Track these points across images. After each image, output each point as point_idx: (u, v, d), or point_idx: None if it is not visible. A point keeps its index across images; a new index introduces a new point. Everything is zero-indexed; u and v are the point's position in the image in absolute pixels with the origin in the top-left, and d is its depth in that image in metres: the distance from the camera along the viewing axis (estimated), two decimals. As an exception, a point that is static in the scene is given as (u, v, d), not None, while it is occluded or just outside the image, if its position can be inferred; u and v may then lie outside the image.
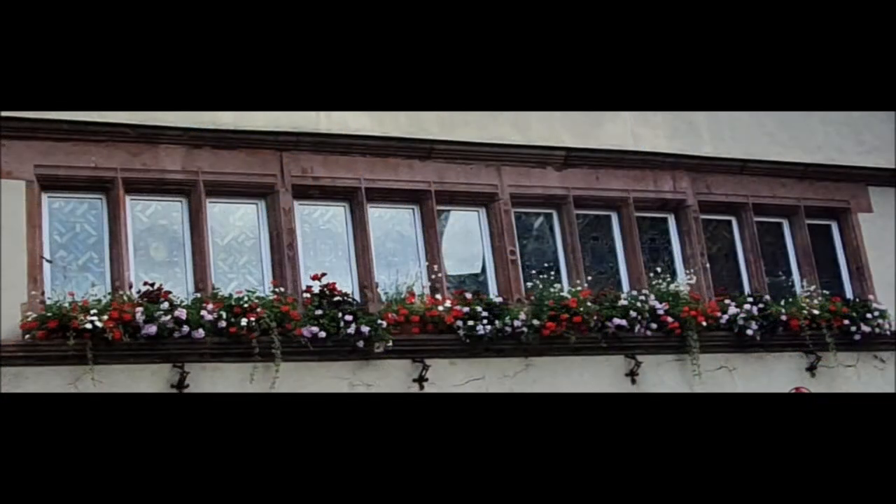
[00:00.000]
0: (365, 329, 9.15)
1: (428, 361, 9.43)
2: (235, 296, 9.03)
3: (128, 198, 9.29)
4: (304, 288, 9.43)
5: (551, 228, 10.86)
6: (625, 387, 10.10)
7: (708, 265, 11.06)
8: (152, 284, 8.90)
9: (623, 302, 10.16)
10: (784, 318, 10.72)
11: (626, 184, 10.98)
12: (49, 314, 8.37)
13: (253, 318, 8.82)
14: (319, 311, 9.16)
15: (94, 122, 8.98)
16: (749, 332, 10.54)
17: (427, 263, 10.10)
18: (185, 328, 8.65)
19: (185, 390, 8.62)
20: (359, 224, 9.97)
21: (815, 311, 10.88)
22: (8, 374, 8.23)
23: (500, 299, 9.91)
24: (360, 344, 9.17)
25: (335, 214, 10.12)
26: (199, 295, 9.06)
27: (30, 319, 8.40)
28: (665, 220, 11.33)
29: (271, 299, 9.10)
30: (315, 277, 9.44)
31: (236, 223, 9.76)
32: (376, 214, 10.16)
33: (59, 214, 9.18)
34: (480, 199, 10.50)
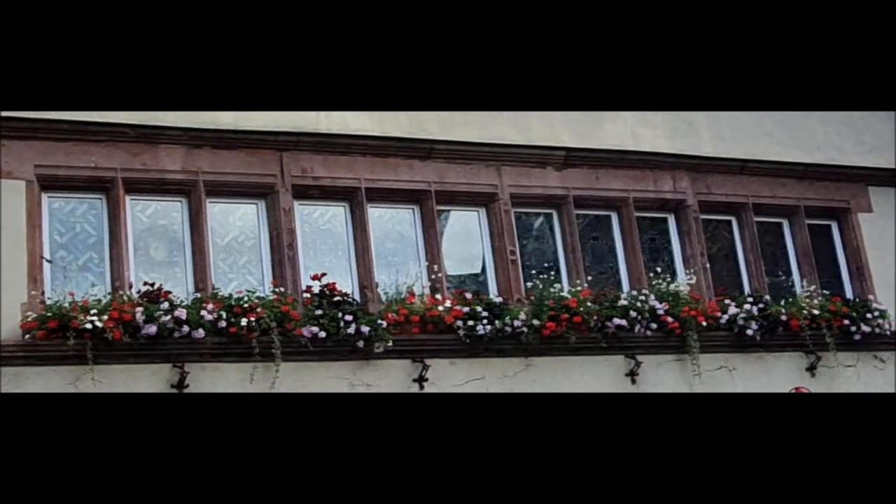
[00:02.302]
0: (365, 329, 9.15)
1: (428, 361, 9.42)
2: (235, 296, 9.03)
3: (128, 198, 9.29)
4: (304, 288, 9.43)
5: (551, 228, 10.86)
6: (625, 387, 10.10)
7: (708, 265, 11.06)
8: (152, 284, 8.90)
9: (623, 302, 10.16)
10: (784, 318, 10.72)
11: (626, 184, 10.98)
12: (49, 314, 8.37)
13: (253, 318, 8.82)
14: (319, 311, 9.16)
15: (94, 122, 8.98)
16: (749, 332, 10.54)
17: (427, 263, 10.10)
18: (185, 328, 8.65)
19: (185, 390, 8.62)
20: (359, 224, 9.97)
21: (815, 311, 10.88)
22: (8, 374, 8.23)
23: (500, 299, 9.90)
24: (360, 344, 9.17)
25: (335, 214, 10.12)
26: (199, 295, 9.06)
27: (30, 319, 8.40)
28: (665, 220, 11.33)
29: (271, 299, 9.10)
30: (315, 277, 9.44)
31: (236, 223, 9.76)
32: (376, 214, 10.16)
33: (59, 214, 9.17)
34: (480, 199, 10.50)
